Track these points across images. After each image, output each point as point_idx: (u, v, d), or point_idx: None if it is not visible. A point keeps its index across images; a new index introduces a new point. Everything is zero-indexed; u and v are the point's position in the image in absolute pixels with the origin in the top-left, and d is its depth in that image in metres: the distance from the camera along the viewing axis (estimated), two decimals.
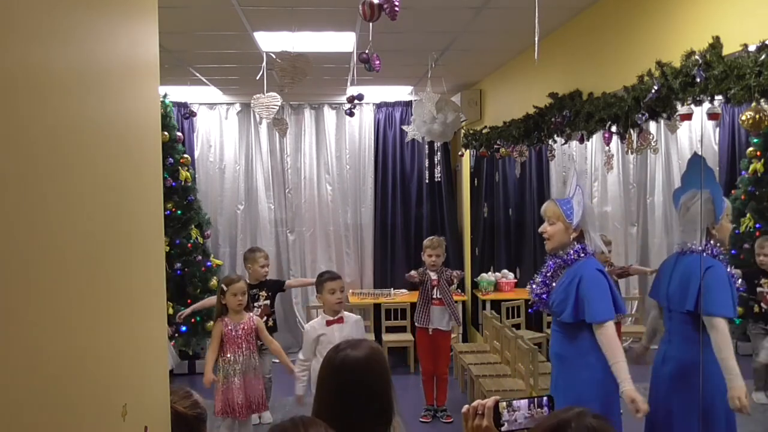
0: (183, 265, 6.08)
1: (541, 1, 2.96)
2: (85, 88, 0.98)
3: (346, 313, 4.15)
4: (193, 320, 6.06)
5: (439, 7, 3.80)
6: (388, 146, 7.58)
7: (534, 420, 1.61)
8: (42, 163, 0.83)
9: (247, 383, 4.31)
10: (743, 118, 2.25)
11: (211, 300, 5.19)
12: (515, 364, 5.15)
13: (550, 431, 1.44)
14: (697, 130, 6.85)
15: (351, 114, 4.97)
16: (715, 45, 2.45)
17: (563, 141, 4.20)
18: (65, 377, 0.89)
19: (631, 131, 3.24)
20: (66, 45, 0.91)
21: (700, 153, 3.68)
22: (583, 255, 3.37)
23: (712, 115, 2.87)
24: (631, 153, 3.46)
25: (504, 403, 1.63)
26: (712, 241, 3.23)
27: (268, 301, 5.36)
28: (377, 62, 3.14)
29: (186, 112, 6.89)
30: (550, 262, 3.49)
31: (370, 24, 2.62)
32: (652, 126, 3.65)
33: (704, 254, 3.17)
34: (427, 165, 7.46)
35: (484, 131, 5.91)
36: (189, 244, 6.12)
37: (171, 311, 5.73)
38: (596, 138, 4.18)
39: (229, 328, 4.34)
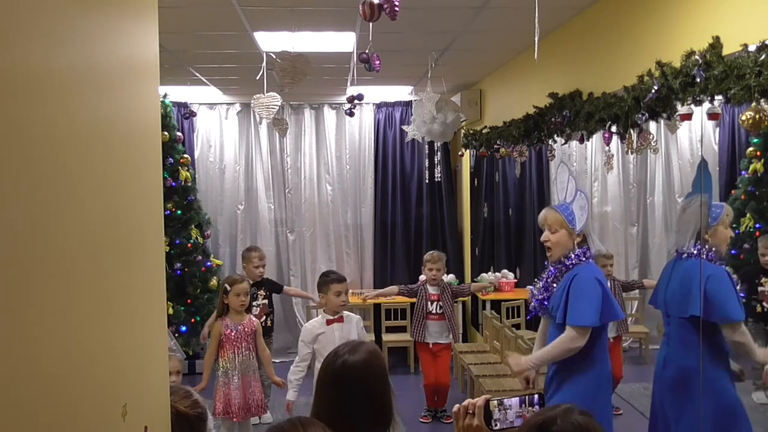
0: (183, 265, 6.08)
1: (541, 1, 2.96)
2: (85, 88, 0.98)
3: (346, 312, 4.14)
4: (193, 320, 6.06)
5: (439, 7, 3.80)
6: (388, 146, 7.58)
7: (525, 418, 1.61)
8: (41, 163, 0.83)
9: (246, 384, 4.30)
10: (743, 118, 2.25)
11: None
12: None
13: (537, 428, 1.44)
14: (697, 130, 6.85)
15: (351, 114, 4.97)
16: (715, 45, 2.45)
17: (563, 141, 4.21)
18: (65, 377, 0.89)
19: (631, 131, 3.24)
20: (66, 45, 0.91)
21: (700, 153, 3.69)
22: (584, 259, 3.30)
23: (712, 115, 2.86)
24: (631, 153, 3.46)
25: (495, 402, 1.62)
26: (706, 246, 3.20)
27: (266, 301, 5.37)
28: (377, 62, 3.14)
29: (186, 112, 6.89)
30: (552, 268, 3.41)
31: (370, 24, 2.62)
32: (652, 126, 3.65)
33: (703, 259, 3.17)
34: (427, 165, 7.46)
35: (484, 131, 5.91)
36: (189, 244, 6.12)
37: (171, 311, 5.73)
38: (596, 138, 4.18)
39: (230, 328, 4.34)
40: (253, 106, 4.67)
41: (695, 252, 3.22)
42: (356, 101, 4.57)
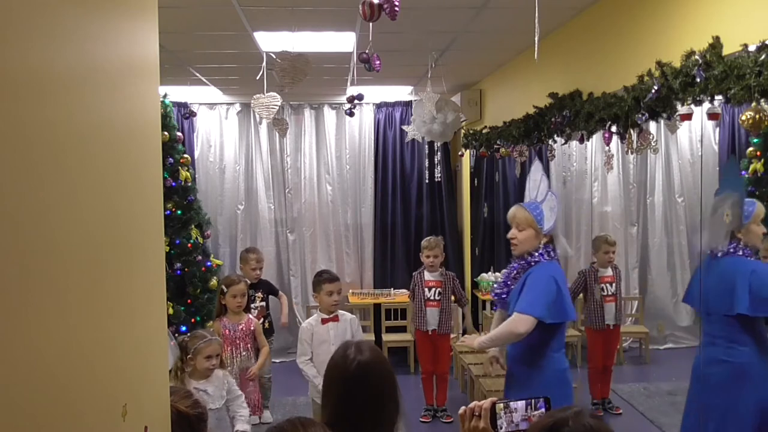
0: (183, 265, 6.08)
1: (541, 1, 2.96)
2: (85, 88, 0.98)
3: (341, 311, 4.18)
4: (192, 320, 6.06)
5: (439, 7, 3.80)
6: (388, 146, 7.57)
7: (531, 421, 1.61)
8: (42, 163, 0.83)
9: (244, 384, 4.30)
10: (743, 118, 2.25)
11: None
12: None
13: (548, 430, 1.43)
14: (697, 130, 6.85)
15: (351, 114, 4.97)
16: (715, 45, 2.45)
17: (563, 141, 4.21)
18: (65, 377, 0.89)
19: (631, 131, 3.24)
20: (66, 45, 0.91)
21: (700, 153, 3.71)
22: (547, 258, 3.33)
23: (712, 115, 2.87)
24: (631, 153, 3.46)
25: (501, 405, 1.63)
26: (740, 243, 3.25)
27: (264, 303, 5.36)
28: (377, 62, 3.14)
29: (186, 112, 6.89)
30: (515, 264, 3.46)
31: (370, 24, 2.62)
32: (652, 126, 3.65)
33: (740, 255, 3.21)
34: (427, 165, 7.46)
35: (484, 131, 5.91)
36: (189, 244, 6.11)
37: (171, 311, 5.73)
38: (596, 138, 4.18)
39: (227, 328, 4.34)
40: (253, 106, 4.67)
41: (731, 250, 3.25)
42: (356, 101, 4.57)
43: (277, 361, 6.72)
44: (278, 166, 7.48)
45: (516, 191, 7.04)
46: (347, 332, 4.03)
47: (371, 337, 6.70)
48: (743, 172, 6.13)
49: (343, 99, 6.94)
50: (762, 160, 5.66)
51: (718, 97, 2.47)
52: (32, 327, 0.80)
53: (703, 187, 6.99)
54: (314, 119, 7.54)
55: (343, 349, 2.04)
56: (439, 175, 7.32)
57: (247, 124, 7.45)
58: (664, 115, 2.87)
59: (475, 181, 7.05)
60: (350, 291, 7.25)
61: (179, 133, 6.32)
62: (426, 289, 5.31)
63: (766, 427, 3.16)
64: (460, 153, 6.91)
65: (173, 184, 6.04)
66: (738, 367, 3.22)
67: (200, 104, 7.33)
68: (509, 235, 3.44)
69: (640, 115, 3.01)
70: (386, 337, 6.74)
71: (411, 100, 7.14)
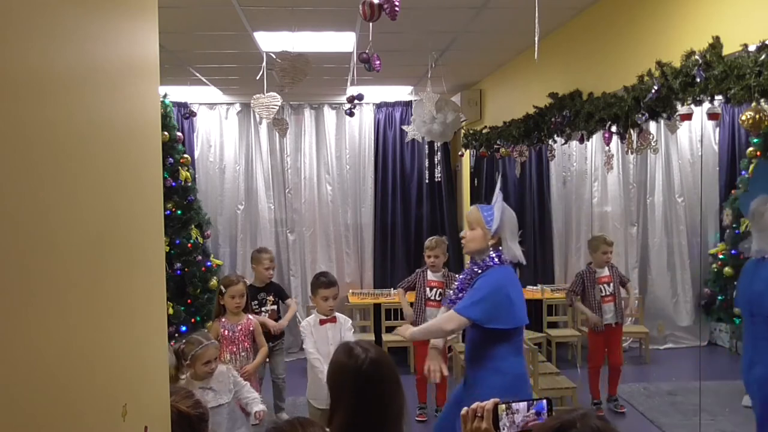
0: (183, 265, 6.08)
1: (541, 1, 2.96)
2: (85, 88, 0.98)
3: (337, 314, 4.24)
4: (192, 320, 6.06)
5: (439, 7, 3.80)
6: (388, 146, 7.58)
7: (533, 423, 1.61)
8: (42, 163, 0.83)
9: None
10: (743, 118, 2.25)
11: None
12: None
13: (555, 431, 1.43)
14: (697, 130, 6.86)
15: (351, 114, 4.97)
16: (715, 45, 2.45)
17: (563, 141, 4.21)
18: (65, 377, 0.89)
19: (631, 131, 3.24)
20: (66, 45, 0.91)
21: (700, 153, 3.74)
22: (498, 262, 3.34)
23: (712, 115, 2.87)
24: (631, 153, 3.46)
25: (503, 406, 1.63)
26: None
27: (275, 306, 5.29)
28: (377, 62, 3.14)
29: (186, 112, 6.89)
30: (467, 270, 3.48)
31: (370, 24, 2.62)
32: (652, 126, 3.66)
33: None
34: (427, 165, 7.46)
35: (484, 131, 5.91)
36: (189, 244, 6.11)
37: (171, 311, 5.73)
38: (596, 138, 4.18)
39: (226, 329, 4.34)
40: (253, 106, 4.66)
41: None
42: (356, 101, 4.57)
43: (287, 360, 6.70)
44: (278, 166, 7.48)
45: (516, 191, 7.06)
46: (343, 334, 4.08)
47: (371, 337, 6.70)
48: (743, 172, 6.13)
49: (343, 99, 6.94)
50: None
51: (718, 97, 2.48)
52: (32, 327, 0.80)
53: (703, 187, 7.00)
54: (314, 119, 7.54)
55: (346, 351, 2.04)
56: (439, 175, 7.32)
57: (247, 124, 7.45)
58: (664, 115, 2.88)
59: (475, 181, 7.05)
60: (350, 291, 7.25)
61: (179, 133, 6.32)
62: (428, 289, 5.31)
63: None
64: (460, 153, 6.91)
65: (173, 184, 6.04)
66: None
67: (200, 104, 7.33)
68: (461, 234, 3.54)
69: (640, 115, 3.01)
70: (386, 337, 6.74)
71: (411, 100, 7.14)
